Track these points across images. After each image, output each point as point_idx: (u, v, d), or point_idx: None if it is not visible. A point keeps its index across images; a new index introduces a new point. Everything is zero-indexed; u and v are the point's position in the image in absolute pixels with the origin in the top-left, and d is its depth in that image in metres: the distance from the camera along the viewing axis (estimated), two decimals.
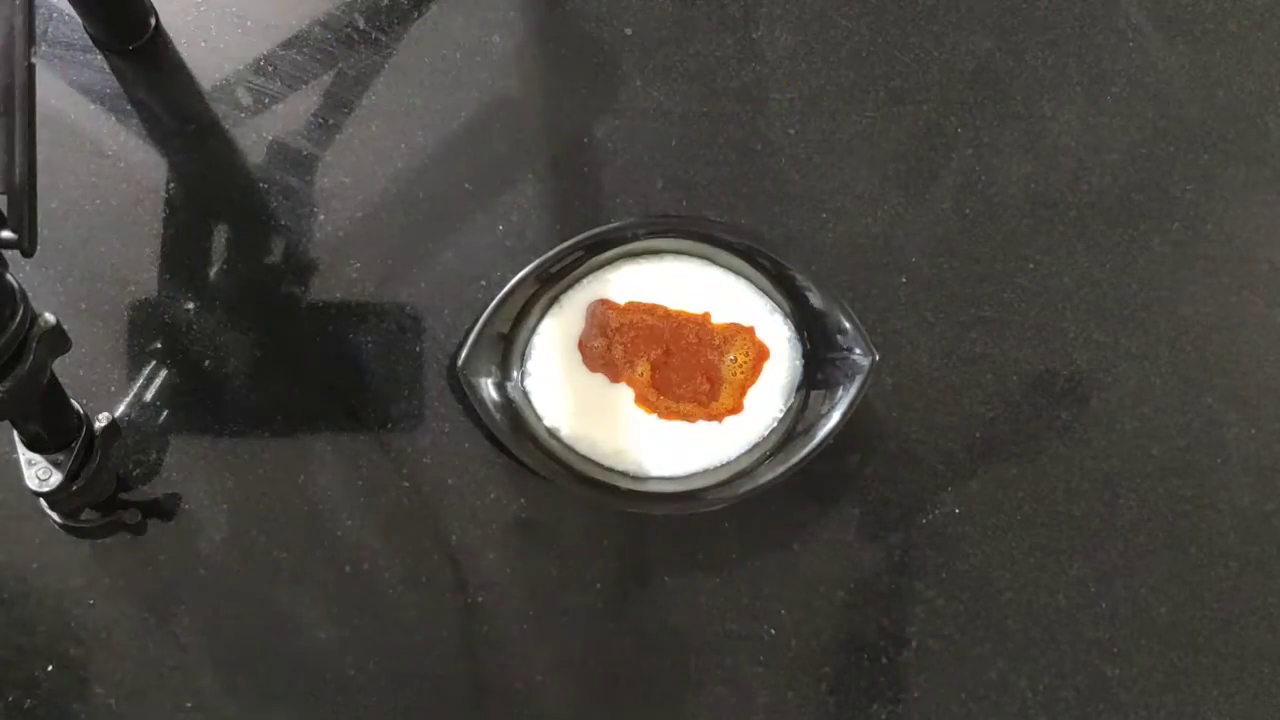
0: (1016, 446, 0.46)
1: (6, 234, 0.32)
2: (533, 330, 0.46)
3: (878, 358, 0.43)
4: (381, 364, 0.46)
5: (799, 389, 0.45)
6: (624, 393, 0.45)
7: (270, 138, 0.48)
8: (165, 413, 0.45)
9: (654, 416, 0.45)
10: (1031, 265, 0.49)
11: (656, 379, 0.45)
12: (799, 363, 0.45)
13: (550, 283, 0.45)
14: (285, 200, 0.48)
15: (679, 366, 0.45)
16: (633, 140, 0.49)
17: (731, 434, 0.45)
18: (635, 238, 0.45)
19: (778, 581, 0.44)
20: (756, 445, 0.45)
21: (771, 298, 0.46)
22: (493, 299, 0.44)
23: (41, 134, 0.33)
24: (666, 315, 0.46)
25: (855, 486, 0.46)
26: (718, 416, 0.45)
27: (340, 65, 0.49)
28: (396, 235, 0.48)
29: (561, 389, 0.45)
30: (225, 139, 0.48)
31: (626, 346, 0.45)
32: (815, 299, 0.44)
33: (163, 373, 0.46)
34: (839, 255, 0.48)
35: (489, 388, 0.44)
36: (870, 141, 0.50)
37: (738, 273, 0.46)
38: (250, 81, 0.49)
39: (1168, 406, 0.47)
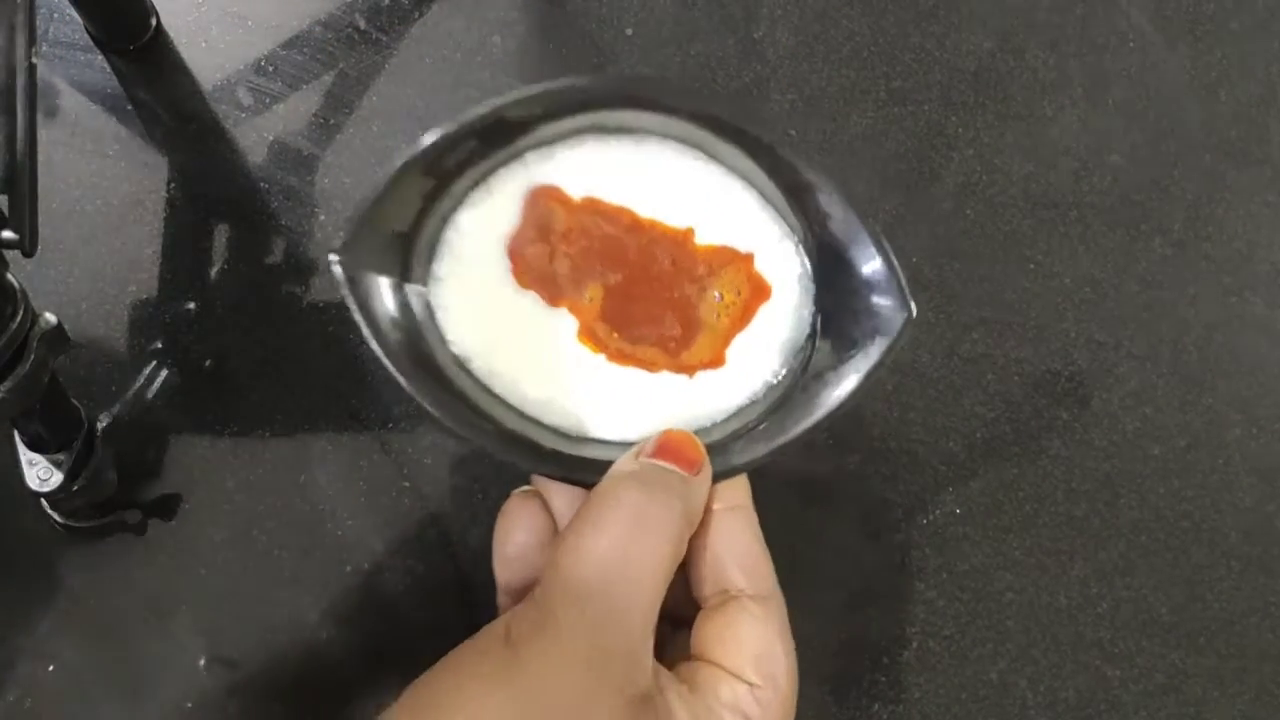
0: (1017, 447, 0.46)
1: (7, 234, 0.32)
2: (446, 219, 0.33)
3: (914, 312, 0.30)
4: (382, 364, 0.46)
5: (803, 345, 0.33)
6: (564, 321, 0.32)
7: (271, 137, 0.48)
8: (166, 412, 0.45)
9: (601, 357, 0.32)
10: (1032, 266, 0.49)
11: (610, 309, 0.32)
12: (809, 311, 0.33)
13: (475, 156, 0.32)
14: (286, 200, 0.48)
15: (643, 296, 0.33)
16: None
17: (705, 394, 0.33)
18: (604, 105, 0.32)
19: (778, 582, 0.44)
20: (737, 413, 0.33)
21: (785, 218, 0.33)
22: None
23: (42, 134, 0.34)
24: (635, 225, 0.33)
25: (855, 486, 0.46)
26: (688, 369, 0.33)
27: (341, 65, 0.49)
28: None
29: (478, 306, 0.33)
30: (226, 139, 0.48)
31: (574, 260, 0.32)
32: (840, 223, 0.31)
33: (163, 372, 0.46)
34: None
35: (382, 291, 0.31)
36: (871, 142, 0.50)
37: (744, 177, 0.33)
38: (251, 81, 0.49)
39: (1169, 407, 0.47)
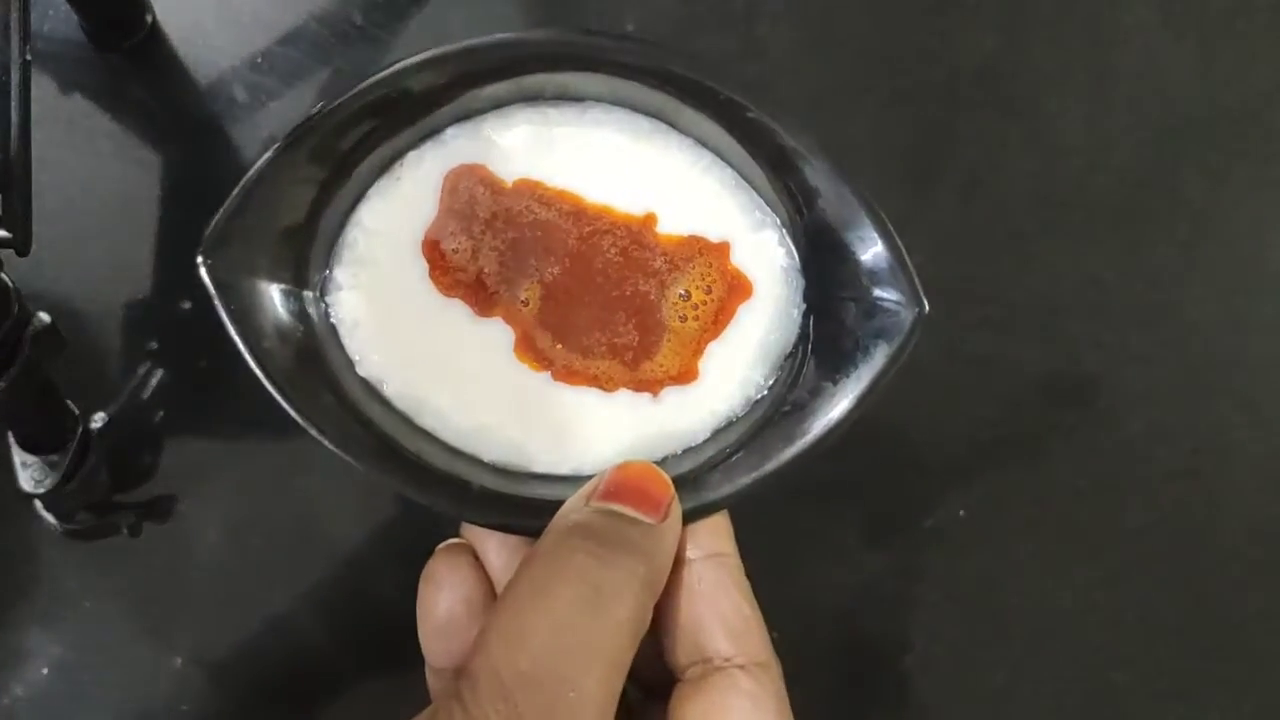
0: (1022, 449, 0.46)
1: (1, 233, 0.32)
2: (348, 214, 0.27)
3: (926, 307, 0.27)
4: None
5: (792, 351, 0.27)
6: (498, 333, 0.27)
7: (267, 135, 0.48)
8: (161, 413, 0.45)
9: (545, 376, 0.27)
10: (1037, 265, 0.48)
11: (550, 312, 0.26)
12: (797, 310, 0.27)
13: (380, 134, 0.26)
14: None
15: (591, 298, 0.27)
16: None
17: (673, 414, 0.27)
18: (539, 66, 0.26)
19: (779, 586, 0.44)
20: (713, 437, 0.27)
21: (765, 199, 0.27)
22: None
23: (35, 132, 0.33)
24: (578, 210, 0.27)
25: (856, 489, 0.45)
26: (652, 385, 0.27)
27: (337, 62, 0.49)
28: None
29: (390, 319, 0.27)
30: (221, 136, 0.48)
31: (503, 253, 0.26)
32: (831, 199, 0.26)
33: (158, 373, 0.45)
34: None
35: (269, 299, 0.25)
36: (874, 140, 0.50)
37: (714, 150, 0.27)
38: (246, 78, 0.49)
39: (1175, 409, 0.47)
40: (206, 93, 0.48)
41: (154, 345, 0.46)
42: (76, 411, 0.41)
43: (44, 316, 0.35)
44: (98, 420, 0.42)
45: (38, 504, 0.41)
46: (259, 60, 0.49)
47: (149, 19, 0.48)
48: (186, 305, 0.46)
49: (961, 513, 0.45)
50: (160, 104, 0.48)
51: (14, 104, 0.32)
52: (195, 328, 0.46)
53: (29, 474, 0.39)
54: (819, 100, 0.50)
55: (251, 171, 0.25)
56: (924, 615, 0.44)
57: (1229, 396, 0.47)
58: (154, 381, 0.45)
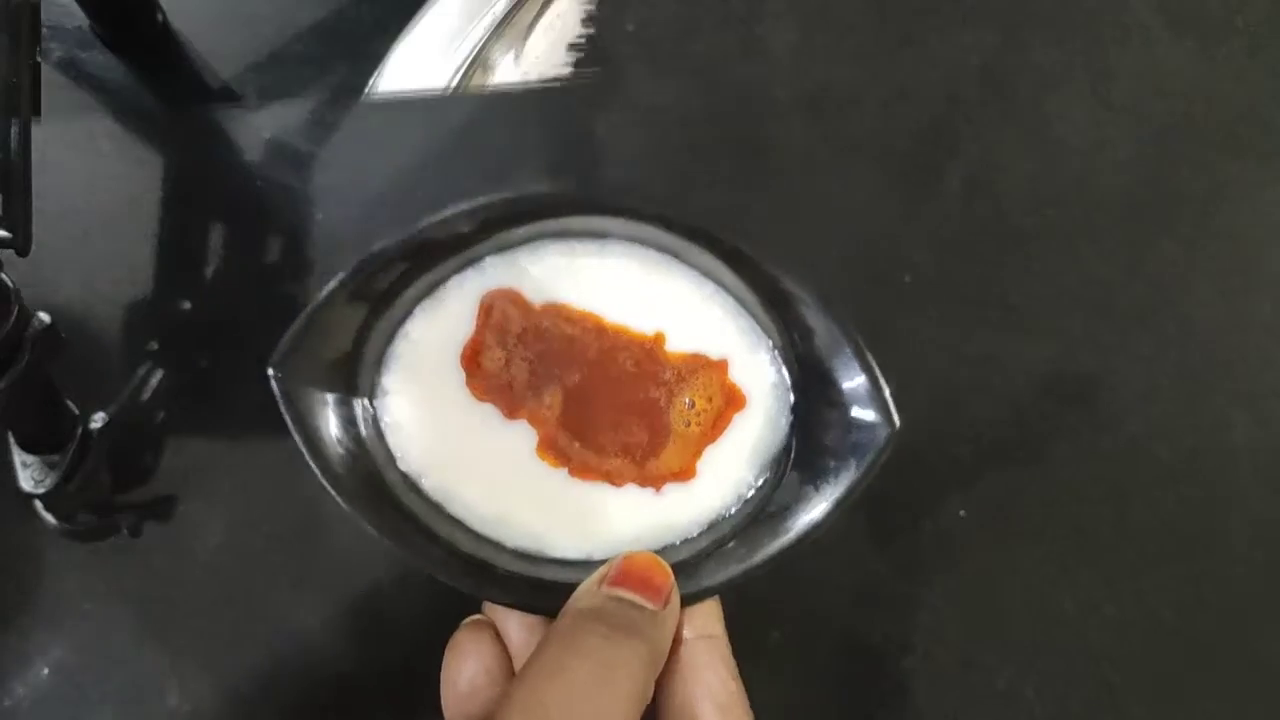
0: (1023, 449, 0.46)
1: (2, 233, 0.32)
2: (395, 330, 0.31)
3: (899, 425, 0.29)
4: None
5: (779, 456, 0.31)
6: (523, 434, 0.31)
7: (269, 136, 0.48)
8: (161, 413, 0.45)
9: (563, 472, 0.31)
10: (1038, 265, 0.48)
11: (570, 414, 0.31)
12: (785, 421, 0.31)
13: (429, 260, 0.31)
14: (284, 199, 0.47)
15: (606, 403, 0.31)
16: (634, 137, 0.49)
17: (674, 509, 0.31)
18: (567, 212, 0.31)
19: (780, 586, 0.44)
20: (708, 529, 0.31)
21: (759, 323, 0.31)
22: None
23: (36, 132, 0.33)
24: (598, 328, 0.31)
25: (859, 490, 0.45)
26: (656, 481, 0.31)
27: (343, 63, 0.49)
28: (397, 234, 0.47)
29: (430, 421, 0.31)
30: (225, 137, 0.48)
31: (532, 364, 0.31)
32: (820, 332, 0.30)
33: (159, 373, 0.45)
34: (842, 255, 0.48)
35: (325, 406, 0.30)
36: (875, 138, 0.50)
37: (717, 281, 0.32)
38: (251, 79, 0.49)
39: (1176, 408, 0.47)
40: (211, 93, 0.48)
41: (154, 346, 0.45)
42: (76, 412, 0.40)
43: (44, 317, 0.35)
44: (98, 420, 0.42)
45: (38, 504, 0.41)
46: (263, 61, 0.49)
47: (159, 19, 0.48)
48: (186, 306, 0.46)
49: (962, 513, 0.45)
50: (163, 104, 0.48)
51: (22, 105, 0.32)
52: (195, 328, 0.46)
53: (29, 474, 0.39)
54: (819, 99, 0.50)
55: (313, 303, 0.29)
56: (925, 616, 0.44)
57: (1229, 396, 0.47)
58: (154, 382, 0.45)
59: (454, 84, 0.49)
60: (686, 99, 0.50)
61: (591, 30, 0.50)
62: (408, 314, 0.31)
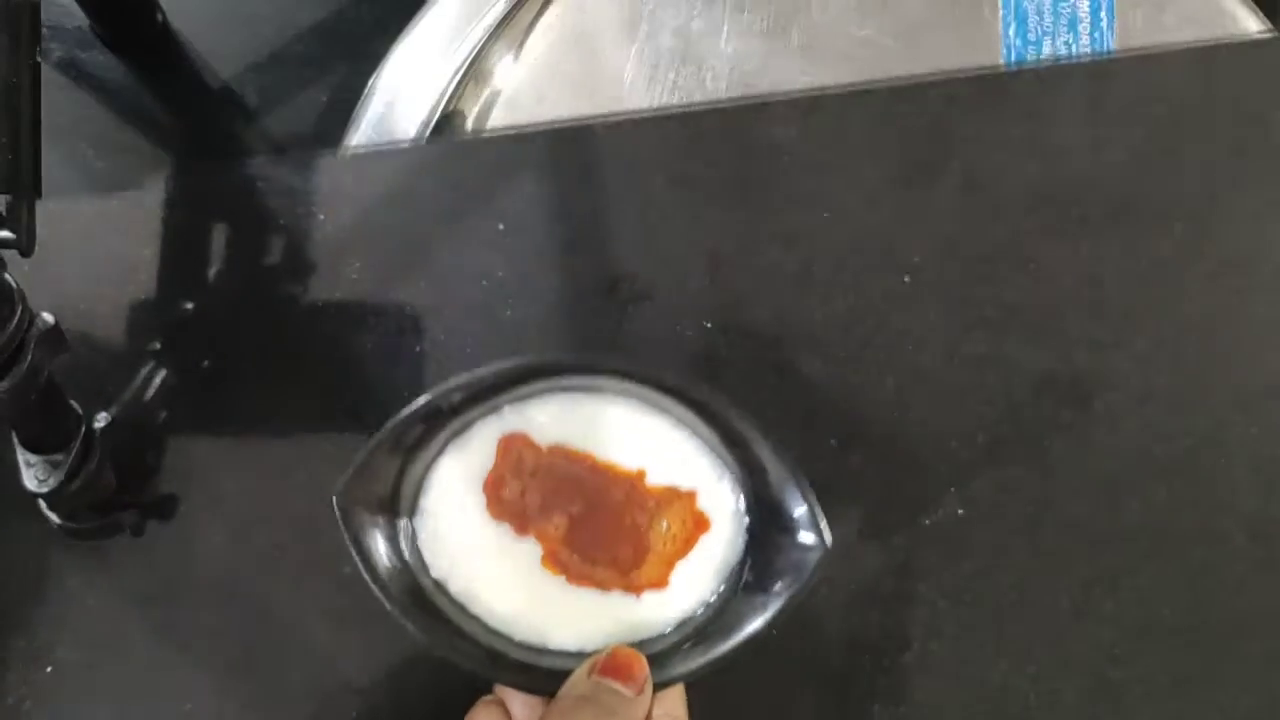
0: (1019, 448, 0.46)
1: (5, 234, 0.32)
2: (431, 462, 0.39)
3: (829, 546, 0.36)
4: (381, 364, 0.46)
5: (736, 569, 0.39)
6: (530, 548, 0.38)
7: (270, 136, 0.48)
8: (164, 413, 0.45)
9: (562, 579, 0.38)
10: (1034, 265, 0.48)
11: (572, 537, 0.38)
12: (742, 540, 0.39)
13: (459, 409, 0.38)
14: (285, 200, 0.47)
15: (600, 527, 0.38)
16: (633, 137, 0.49)
17: (649, 611, 0.38)
18: (570, 372, 0.39)
19: None
20: (677, 627, 0.38)
21: (722, 460, 0.39)
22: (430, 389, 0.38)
23: (41, 131, 0.33)
24: (594, 466, 0.38)
25: (856, 487, 0.46)
26: (636, 589, 0.38)
27: (345, 63, 0.49)
28: (397, 235, 0.47)
29: (456, 536, 0.39)
30: (227, 136, 0.48)
31: (544, 495, 0.38)
32: (772, 469, 0.38)
33: (161, 373, 0.45)
34: (841, 254, 0.48)
35: (375, 525, 0.38)
36: (874, 139, 0.50)
37: (687, 426, 0.39)
38: (252, 78, 0.49)
39: (1171, 407, 0.47)
40: (212, 92, 0.49)
41: (157, 345, 0.46)
42: (80, 411, 0.41)
43: (47, 317, 0.35)
44: (101, 420, 0.42)
45: (42, 504, 0.41)
46: (264, 60, 0.49)
47: (159, 19, 0.49)
48: (189, 306, 0.46)
49: (961, 512, 0.45)
50: (166, 104, 0.48)
51: (24, 105, 0.32)
52: (198, 328, 0.46)
53: (33, 473, 0.39)
54: (818, 99, 0.50)
55: (362, 451, 0.36)
56: (923, 614, 0.44)
57: (1228, 395, 0.47)
58: (157, 381, 0.45)
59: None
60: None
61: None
62: (442, 450, 0.39)
